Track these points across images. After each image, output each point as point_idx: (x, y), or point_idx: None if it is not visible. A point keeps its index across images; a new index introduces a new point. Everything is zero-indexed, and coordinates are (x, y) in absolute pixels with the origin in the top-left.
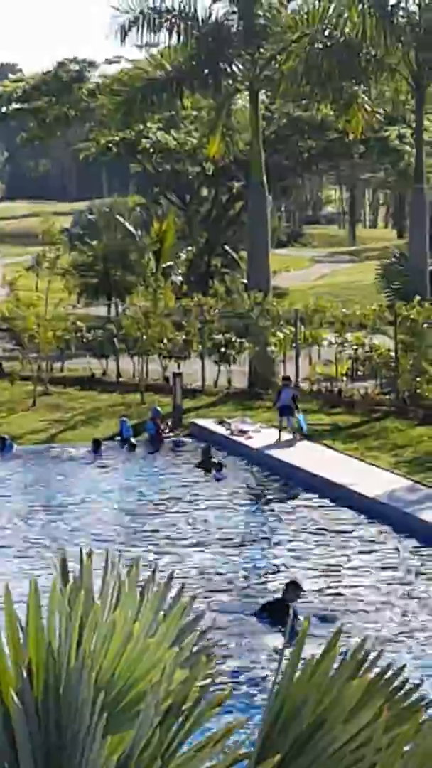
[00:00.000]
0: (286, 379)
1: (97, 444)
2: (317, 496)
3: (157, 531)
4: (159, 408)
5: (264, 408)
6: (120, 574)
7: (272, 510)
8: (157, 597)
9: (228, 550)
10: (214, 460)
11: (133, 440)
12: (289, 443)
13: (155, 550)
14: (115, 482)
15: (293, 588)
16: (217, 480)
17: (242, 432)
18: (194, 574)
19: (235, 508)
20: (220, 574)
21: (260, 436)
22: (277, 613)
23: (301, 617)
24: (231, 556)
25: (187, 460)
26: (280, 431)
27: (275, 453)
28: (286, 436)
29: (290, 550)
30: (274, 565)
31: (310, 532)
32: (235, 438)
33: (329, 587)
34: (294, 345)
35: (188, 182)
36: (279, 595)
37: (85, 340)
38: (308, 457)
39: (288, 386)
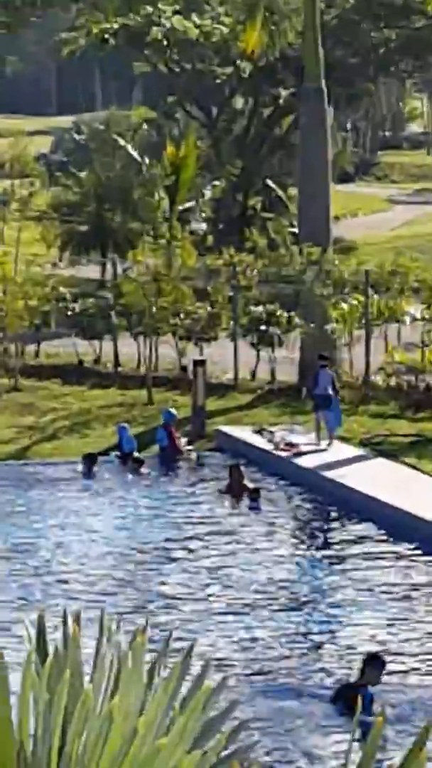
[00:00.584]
0: (323, 358)
1: (90, 461)
2: (397, 537)
3: (170, 585)
4: (174, 410)
5: None
6: (119, 645)
7: (333, 558)
8: (172, 679)
9: (270, 613)
10: (247, 483)
11: (137, 455)
12: (336, 454)
13: (168, 612)
14: (112, 516)
15: (373, 665)
16: (252, 511)
17: (290, 445)
18: (223, 645)
19: (278, 553)
20: (260, 644)
21: (315, 451)
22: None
23: (377, 706)
24: (276, 622)
25: (213, 483)
26: (318, 432)
27: (336, 475)
28: (326, 440)
29: (359, 614)
30: (340, 635)
31: (389, 593)
32: (280, 453)
33: (413, 669)
34: (364, 321)
35: (216, 88)
36: (355, 675)
37: (70, 313)
38: (385, 482)
39: (326, 368)
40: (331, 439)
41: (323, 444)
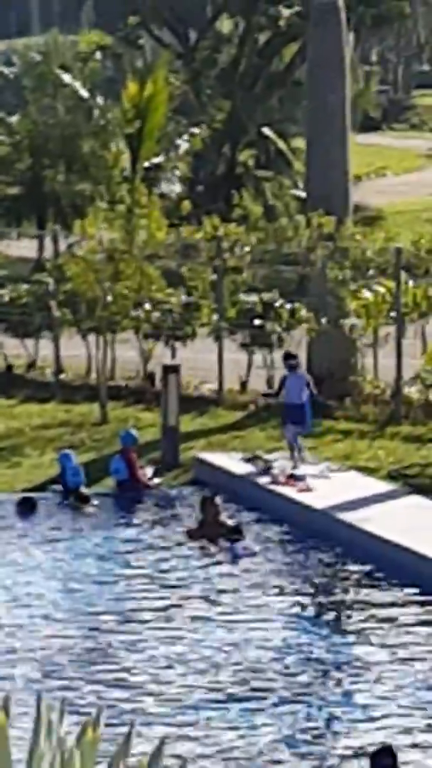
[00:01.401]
0: (290, 357)
1: (27, 506)
2: None
3: (127, 664)
4: (135, 431)
5: (335, 432)
6: (63, 741)
7: (353, 631)
8: None
9: (258, 704)
10: (225, 521)
11: (84, 490)
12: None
13: (127, 699)
14: (51, 572)
15: (382, 757)
16: (235, 559)
17: (293, 479)
18: (202, 737)
19: (271, 624)
20: (241, 741)
21: (327, 485)
22: None
23: None
24: (265, 718)
25: (184, 527)
26: (292, 454)
27: (357, 519)
28: (307, 466)
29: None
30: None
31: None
32: (279, 489)
33: None
34: (394, 315)
35: (195, 6)
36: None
37: None
38: (422, 527)
39: (295, 369)
40: (296, 454)
41: (300, 465)
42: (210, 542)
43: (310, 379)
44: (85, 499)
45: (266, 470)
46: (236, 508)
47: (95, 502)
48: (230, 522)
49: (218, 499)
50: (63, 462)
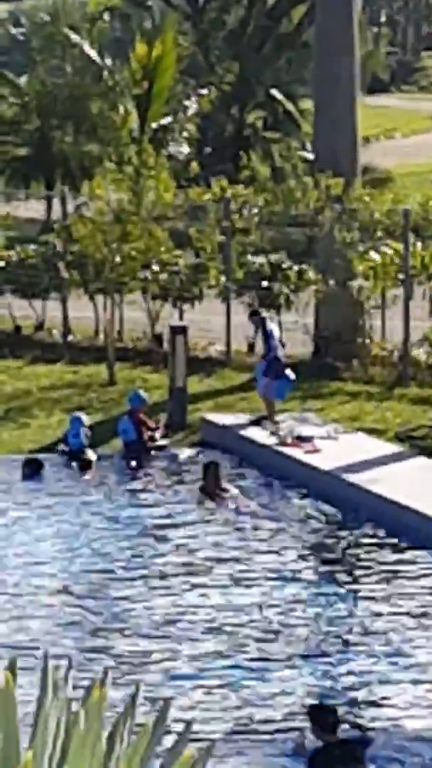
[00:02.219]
0: (254, 314)
1: (34, 467)
2: None
3: (133, 622)
4: (143, 393)
5: (343, 394)
6: (68, 702)
7: (358, 590)
8: (140, 747)
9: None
10: (226, 487)
11: (90, 453)
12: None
13: (133, 661)
14: (59, 535)
15: (317, 714)
16: (237, 515)
17: (301, 440)
18: (209, 703)
19: (275, 584)
20: (259, 700)
21: (334, 447)
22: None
23: None
24: (273, 672)
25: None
26: (271, 416)
27: (364, 480)
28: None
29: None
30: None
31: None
32: (287, 451)
33: None
34: (402, 277)
35: None
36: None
37: (3, 264)
38: (428, 491)
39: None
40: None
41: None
42: (209, 497)
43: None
44: (87, 465)
45: (273, 432)
46: (243, 469)
47: (92, 455)
48: (232, 489)
49: (220, 467)
50: (73, 424)
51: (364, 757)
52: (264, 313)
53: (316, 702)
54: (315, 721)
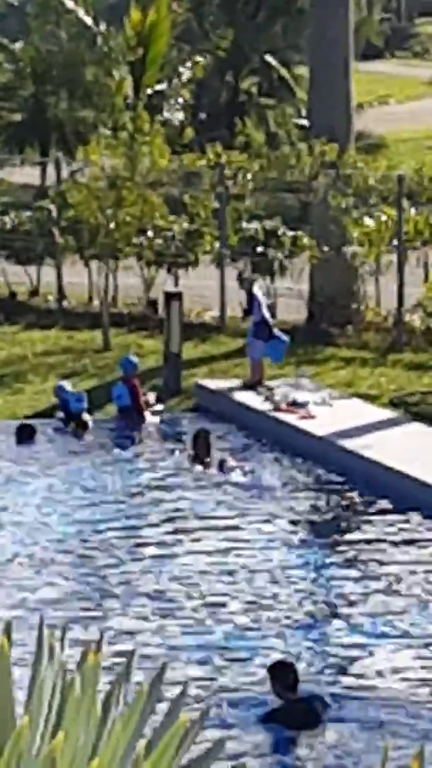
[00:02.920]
0: (242, 280)
1: (26, 432)
2: None
3: (128, 587)
4: (135, 358)
5: (337, 360)
6: (64, 665)
7: (351, 554)
8: (135, 710)
9: (266, 626)
10: (214, 457)
11: (86, 417)
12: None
13: (128, 623)
14: (52, 497)
15: (278, 671)
16: (222, 474)
17: (295, 405)
18: (207, 666)
19: (267, 548)
20: (254, 664)
21: (329, 412)
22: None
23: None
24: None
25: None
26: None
27: (358, 445)
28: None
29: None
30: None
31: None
32: (282, 417)
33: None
34: (395, 243)
35: None
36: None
37: None
38: (424, 454)
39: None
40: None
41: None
42: (200, 464)
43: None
44: (85, 426)
45: (268, 397)
46: (240, 436)
47: (89, 420)
48: (219, 457)
49: (210, 436)
50: (60, 394)
51: (324, 716)
52: (250, 276)
53: (276, 660)
54: (276, 678)
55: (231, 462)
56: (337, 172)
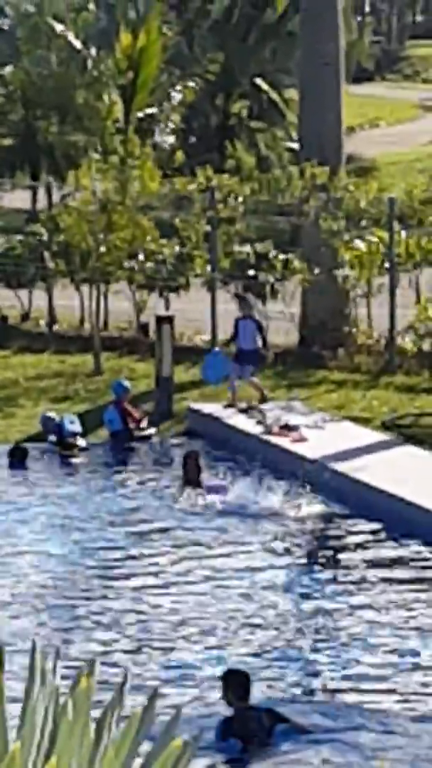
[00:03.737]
0: (240, 299)
1: (18, 454)
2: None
3: (119, 607)
4: (127, 382)
5: (329, 383)
6: (56, 689)
7: (346, 585)
8: (129, 735)
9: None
10: (205, 480)
11: (80, 441)
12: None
13: (121, 647)
14: (35, 519)
15: (232, 679)
16: (210, 494)
17: (287, 428)
18: (200, 678)
19: (259, 572)
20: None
21: (321, 435)
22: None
23: None
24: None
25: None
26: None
27: (350, 468)
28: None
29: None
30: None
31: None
32: (274, 440)
33: None
34: (387, 266)
35: None
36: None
37: None
38: (415, 477)
39: (248, 311)
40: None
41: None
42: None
43: (261, 323)
44: (70, 447)
45: (260, 420)
46: (232, 459)
47: (82, 443)
48: (213, 481)
49: (200, 458)
50: (48, 424)
51: (273, 726)
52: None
53: (229, 668)
54: (229, 686)
55: (219, 483)
56: (328, 195)
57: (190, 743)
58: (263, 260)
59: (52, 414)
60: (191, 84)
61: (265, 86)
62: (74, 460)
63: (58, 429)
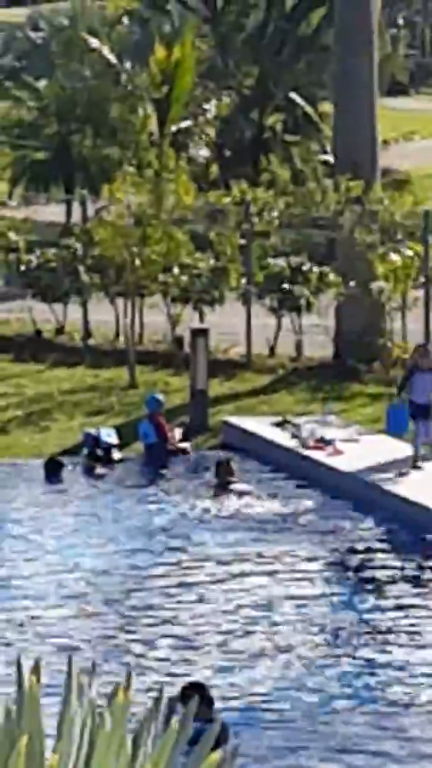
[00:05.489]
0: (422, 349)
1: (54, 467)
2: None
3: (155, 626)
4: (160, 396)
5: (364, 396)
6: (94, 704)
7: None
8: (166, 749)
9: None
10: (237, 487)
11: (117, 454)
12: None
13: (156, 662)
14: (80, 527)
15: (193, 692)
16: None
17: (323, 442)
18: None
19: (301, 583)
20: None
21: (357, 449)
22: None
23: None
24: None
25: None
26: (416, 454)
27: (387, 482)
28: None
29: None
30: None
31: None
32: (310, 454)
33: None
34: (423, 279)
35: None
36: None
37: (24, 268)
38: None
39: (429, 362)
40: (417, 456)
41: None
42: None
43: None
44: (98, 459)
45: (295, 434)
46: (265, 472)
47: (118, 456)
48: (241, 488)
49: (233, 465)
50: (87, 440)
51: (222, 741)
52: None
53: (189, 681)
54: (188, 699)
55: (250, 489)
56: (363, 209)
57: (228, 757)
58: (298, 273)
59: (92, 430)
60: (226, 98)
61: (299, 100)
62: (98, 471)
63: (95, 441)
